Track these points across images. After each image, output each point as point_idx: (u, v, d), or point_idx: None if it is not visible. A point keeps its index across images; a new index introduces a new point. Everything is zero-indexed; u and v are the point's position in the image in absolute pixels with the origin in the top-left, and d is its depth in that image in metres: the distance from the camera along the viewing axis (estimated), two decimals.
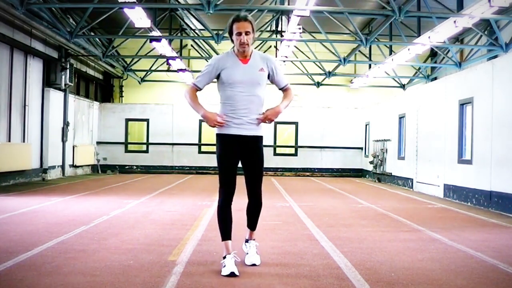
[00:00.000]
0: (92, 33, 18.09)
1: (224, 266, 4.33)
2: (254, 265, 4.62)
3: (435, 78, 19.08)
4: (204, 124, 20.48)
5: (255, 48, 4.62)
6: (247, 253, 4.72)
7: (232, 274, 4.23)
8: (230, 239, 4.51)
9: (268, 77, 4.58)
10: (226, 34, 14.71)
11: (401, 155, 15.71)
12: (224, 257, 4.41)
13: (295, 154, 20.96)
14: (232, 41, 4.46)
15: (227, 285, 4.00)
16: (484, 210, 9.58)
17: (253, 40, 4.46)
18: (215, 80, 4.58)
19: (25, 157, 13.93)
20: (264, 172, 19.77)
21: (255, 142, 4.53)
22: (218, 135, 4.53)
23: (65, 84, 16.12)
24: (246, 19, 4.35)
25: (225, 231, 4.53)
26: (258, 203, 4.69)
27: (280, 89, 4.67)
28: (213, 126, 4.44)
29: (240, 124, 4.42)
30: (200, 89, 4.54)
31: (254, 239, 4.83)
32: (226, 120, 4.41)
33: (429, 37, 13.98)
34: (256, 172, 4.62)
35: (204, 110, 4.42)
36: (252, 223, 4.77)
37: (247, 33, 4.33)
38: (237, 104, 4.41)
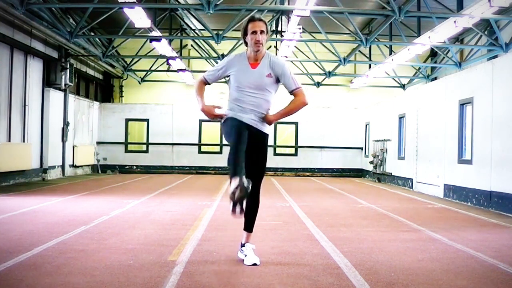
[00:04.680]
0: (92, 33, 18.09)
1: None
2: (254, 264, 4.62)
3: (435, 78, 19.09)
4: (204, 124, 20.55)
5: None
6: (246, 255, 4.70)
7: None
8: (243, 174, 4.17)
9: (278, 81, 4.57)
10: (227, 34, 14.77)
11: (401, 155, 15.71)
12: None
13: (295, 154, 20.97)
14: (246, 43, 4.52)
15: (227, 285, 4.00)
16: (484, 210, 9.58)
17: (266, 41, 4.54)
18: (226, 79, 4.69)
19: (25, 157, 13.93)
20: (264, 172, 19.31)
21: (262, 138, 4.62)
22: (226, 119, 4.51)
23: (65, 84, 16.12)
24: (261, 20, 4.46)
25: (235, 168, 4.17)
26: (257, 202, 4.70)
27: (290, 93, 4.59)
28: (212, 118, 4.50)
29: (247, 119, 4.49)
30: (209, 84, 4.65)
31: (250, 242, 4.80)
32: (237, 110, 4.49)
33: (429, 37, 13.99)
34: (258, 170, 4.64)
35: (202, 104, 4.49)
36: (249, 223, 4.74)
37: (261, 32, 4.42)
38: (244, 105, 4.50)
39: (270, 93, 4.55)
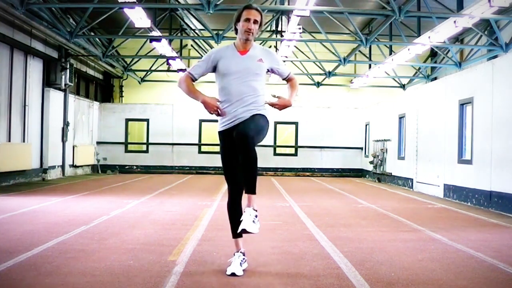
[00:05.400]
0: (92, 33, 18.09)
1: (230, 265, 4.36)
2: (244, 231, 4.07)
3: (435, 78, 19.09)
4: (204, 124, 20.54)
5: None
6: (241, 220, 4.14)
7: (232, 275, 4.23)
8: (240, 236, 4.43)
9: (271, 70, 4.44)
10: (227, 34, 14.75)
11: (401, 155, 15.71)
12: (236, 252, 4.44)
13: (295, 154, 20.96)
14: (236, 31, 4.32)
15: (227, 285, 4.00)
16: (484, 210, 9.58)
17: (258, 34, 4.36)
18: (214, 78, 4.47)
19: (25, 157, 13.93)
20: (264, 172, 19.55)
21: (249, 117, 4.26)
22: (218, 133, 4.45)
23: (65, 84, 16.12)
24: (257, 10, 4.28)
25: (233, 229, 4.45)
26: (249, 157, 4.08)
27: (284, 79, 4.56)
28: (212, 113, 4.26)
29: (234, 116, 4.26)
30: (195, 79, 4.40)
31: (252, 207, 4.12)
32: (223, 124, 4.33)
33: (429, 37, 13.99)
34: (244, 121, 4.20)
35: (203, 96, 4.24)
36: (246, 183, 4.15)
37: (255, 21, 4.24)
38: (229, 96, 4.27)
39: (258, 80, 4.30)
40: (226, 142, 4.37)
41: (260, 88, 4.34)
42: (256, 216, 4.11)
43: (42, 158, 15.51)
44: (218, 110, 4.24)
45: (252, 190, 4.14)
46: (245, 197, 4.24)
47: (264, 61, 4.34)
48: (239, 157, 4.14)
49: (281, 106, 4.29)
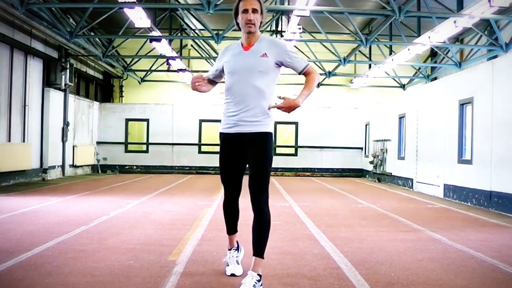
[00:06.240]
0: (92, 33, 18.10)
1: (228, 265, 4.34)
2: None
3: (435, 78, 19.09)
4: (204, 124, 20.58)
5: None
6: (241, 284, 3.85)
7: (232, 275, 4.24)
8: (234, 233, 4.39)
9: (282, 64, 3.97)
10: (227, 34, 14.76)
11: (401, 155, 15.71)
12: (230, 249, 4.39)
13: (295, 154, 20.97)
14: (238, 26, 3.99)
15: (227, 285, 4.00)
16: (484, 210, 9.58)
17: (261, 23, 3.95)
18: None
19: (25, 157, 13.93)
20: None
21: (254, 139, 3.94)
22: (219, 134, 4.22)
23: (65, 84, 16.12)
24: None
25: (228, 227, 4.38)
26: (261, 218, 3.96)
27: (300, 73, 4.00)
28: (197, 87, 4.14)
29: (237, 121, 3.96)
30: (209, 79, 4.23)
31: (257, 272, 3.86)
32: (226, 117, 4.06)
33: (429, 37, 13.99)
34: (253, 174, 3.95)
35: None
36: (255, 244, 3.94)
37: (254, 10, 3.84)
38: (233, 97, 3.96)
39: (262, 78, 3.88)
40: (226, 143, 4.16)
41: (266, 89, 3.92)
42: (258, 281, 3.80)
43: (42, 158, 15.52)
44: (198, 83, 4.13)
45: (260, 253, 3.93)
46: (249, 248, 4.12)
47: (270, 55, 3.88)
48: (252, 209, 3.98)
49: (287, 108, 3.81)
